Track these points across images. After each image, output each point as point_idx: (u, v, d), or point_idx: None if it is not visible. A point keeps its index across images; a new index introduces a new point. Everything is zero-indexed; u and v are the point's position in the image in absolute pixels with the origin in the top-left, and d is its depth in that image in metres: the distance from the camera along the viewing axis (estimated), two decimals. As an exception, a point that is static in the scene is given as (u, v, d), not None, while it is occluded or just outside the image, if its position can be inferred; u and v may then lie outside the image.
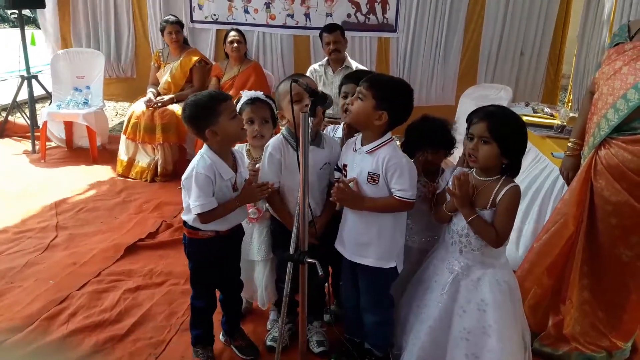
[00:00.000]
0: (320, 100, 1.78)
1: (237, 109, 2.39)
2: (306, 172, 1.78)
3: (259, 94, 2.43)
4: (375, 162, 1.99)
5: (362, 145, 2.05)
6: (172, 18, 4.74)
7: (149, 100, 4.63)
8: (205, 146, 2.12)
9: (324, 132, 2.53)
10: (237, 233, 2.28)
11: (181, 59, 4.72)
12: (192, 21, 5.58)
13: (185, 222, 2.18)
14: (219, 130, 2.04)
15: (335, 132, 2.59)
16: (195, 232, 2.14)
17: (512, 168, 1.96)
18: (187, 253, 2.24)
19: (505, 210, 1.92)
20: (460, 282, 2.02)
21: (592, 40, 4.64)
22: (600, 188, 2.21)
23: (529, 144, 3.49)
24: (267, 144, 2.25)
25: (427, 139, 2.22)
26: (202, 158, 2.08)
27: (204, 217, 2.05)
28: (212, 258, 2.20)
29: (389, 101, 1.95)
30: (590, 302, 2.36)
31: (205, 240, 2.15)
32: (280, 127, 2.38)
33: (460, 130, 2.20)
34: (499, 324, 1.96)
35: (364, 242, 2.08)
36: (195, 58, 4.73)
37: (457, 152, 2.31)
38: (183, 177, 2.10)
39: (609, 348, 2.37)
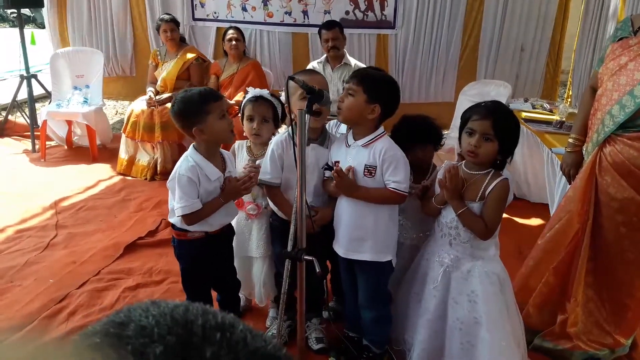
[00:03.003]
0: (316, 97, 1.78)
1: (242, 105, 2.42)
2: (303, 169, 1.78)
3: (264, 92, 2.42)
4: (372, 155, 2.02)
5: (354, 140, 2.07)
6: (166, 16, 4.73)
7: (150, 99, 4.63)
8: (190, 147, 2.11)
9: (326, 126, 2.54)
10: (227, 233, 2.27)
11: (178, 57, 4.72)
12: (194, 19, 5.58)
13: (173, 224, 2.17)
14: (206, 129, 2.03)
15: (338, 127, 2.59)
16: (183, 234, 2.14)
17: (502, 163, 1.97)
18: (176, 255, 2.24)
19: (495, 203, 1.93)
20: (451, 274, 2.04)
21: (591, 36, 4.63)
22: (605, 185, 2.19)
23: (534, 135, 3.50)
24: (271, 141, 2.26)
25: (413, 138, 2.23)
26: (185, 159, 2.07)
27: (188, 218, 2.05)
28: (202, 259, 2.19)
29: (380, 94, 2.00)
30: (594, 300, 2.35)
31: (194, 241, 2.14)
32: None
33: (456, 124, 2.20)
34: (489, 315, 1.98)
35: (360, 236, 2.09)
36: (192, 56, 4.72)
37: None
38: (168, 180, 2.10)
39: (611, 346, 2.36)
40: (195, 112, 2.02)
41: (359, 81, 2.00)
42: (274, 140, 2.24)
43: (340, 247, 2.15)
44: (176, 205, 2.04)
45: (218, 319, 0.50)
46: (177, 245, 2.21)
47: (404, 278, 2.27)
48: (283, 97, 2.48)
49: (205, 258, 2.19)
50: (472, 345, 2.02)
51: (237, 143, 2.52)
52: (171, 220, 2.16)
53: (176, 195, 2.04)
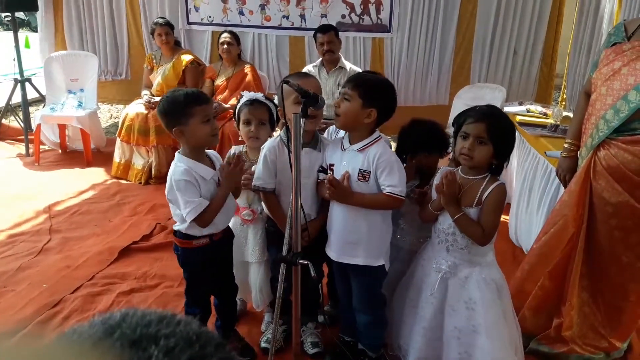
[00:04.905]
0: (311, 101, 1.77)
1: (237, 109, 2.42)
2: (298, 174, 1.78)
3: (259, 95, 2.42)
4: (367, 160, 2.01)
5: (350, 144, 2.06)
6: (161, 20, 4.72)
7: (147, 102, 4.61)
8: (176, 154, 2.09)
9: (325, 132, 2.54)
10: (228, 237, 2.27)
11: (174, 60, 4.71)
12: (189, 23, 5.58)
13: (175, 232, 2.15)
14: (187, 131, 2.01)
15: (337, 133, 2.58)
16: (188, 242, 2.12)
17: (498, 167, 1.97)
18: (181, 263, 2.22)
19: (492, 208, 1.92)
20: (448, 281, 2.02)
21: (586, 39, 4.65)
22: (600, 189, 2.20)
23: (526, 143, 3.51)
24: (263, 145, 2.25)
25: (420, 143, 2.23)
26: (175, 167, 2.05)
27: (200, 220, 2.02)
28: (206, 265, 2.18)
29: (376, 98, 1.99)
30: (589, 304, 2.35)
31: (199, 249, 2.13)
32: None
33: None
34: (487, 322, 1.97)
35: (353, 240, 2.08)
36: (187, 59, 4.71)
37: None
38: (166, 192, 2.07)
39: (607, 349, 2.37)
40: (178, 113, 2.00)
41: (355, 86, 1.99)
42: (266, 145, 2.23)
43: (333, 252, 2.15)
44: (185, 212, 2.00)
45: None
46: (181, 254, 2.19)
47: (400, 283, 2.26)
48: (276, 98, 2.49)
49: (209, 264, 2.18)
50: (469, 355, 2.00)
51: (233, 148, 2.52)
52: (177, 228, 2.13)
53: (181, 203, 2.01)
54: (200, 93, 2.13)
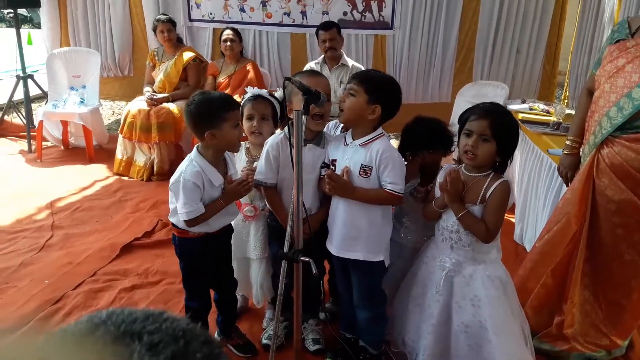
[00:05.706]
0: (313, 98, 1.77)
1: (241, 105, 2.42)
2: (300, 171, 1.78)
3: (263, 91, 2.43)
4: (369, 155, 2.02)
5: (353, 139, 2.07)
6: (163, 17, 4.73)
7: (149, 99, 4.62)
8: (195, 151, 2.09)
9: (325, 128, 2.54)
10: (227, 232, 2.27)
11: (176, 57, 4.71)
12: (190, 19, 5.57)
13: (173, 224, 2.17)
14: (220, 135, 2.02)
15: (337, 128, 2.59)
16: (185, 232, 2.13)
17: (502, 165, 1.97)
18: (178, 253, 2.24)
19: (496, 206, 1.92)
20: (453, 279, 2.03)
21: (588, 37, 4.64)
22: (603, 187, 2.19)
23: (529, 141, 3.51)
24: (266, 141, 2.26)
25: (424, 141, 2.23)
26: (190, 164, 2.05)
27: (191, 221, 2.05)
28: (203, 257, 2.19)
29: (381, 95, 2.00)
30: (591, 302, 2.35)
31: (196, 239, 2.14)
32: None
33: (455, 129, 2.21)
34: (494, 319, 1.97)
35: (353, 236, 2.09)
36: (189, 56, 4.71)
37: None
38: (171, 181, 2.08)
39: (608, 347, 2.37)
40: (213, 117, 2.00)
41: (361, 81, 2.01)
42: (269, 141, 2.23)
43: (333, 246, 2.16)
44: (180, 210, 2.02)
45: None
46: (178, 243, 2.21)
47: (403, 280, 2.26)
48: (277, 94, 2.49)
49: (206, 255, 2.19)
50: (480, 347, 2.01)
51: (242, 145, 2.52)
52: (172, 219, 2.15)
53: (180, 200, 2.02)
54: (231, 97, 2.16)
